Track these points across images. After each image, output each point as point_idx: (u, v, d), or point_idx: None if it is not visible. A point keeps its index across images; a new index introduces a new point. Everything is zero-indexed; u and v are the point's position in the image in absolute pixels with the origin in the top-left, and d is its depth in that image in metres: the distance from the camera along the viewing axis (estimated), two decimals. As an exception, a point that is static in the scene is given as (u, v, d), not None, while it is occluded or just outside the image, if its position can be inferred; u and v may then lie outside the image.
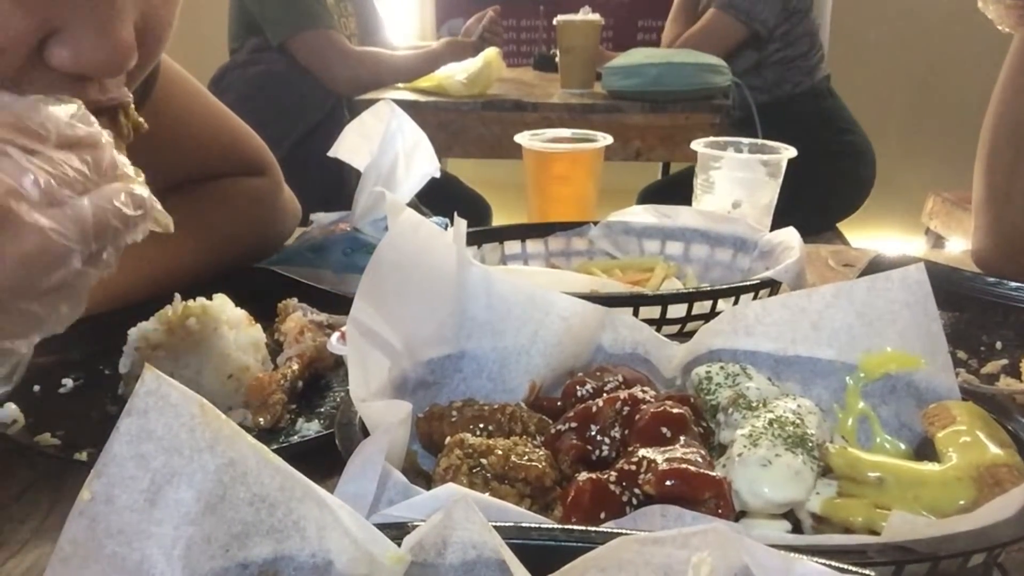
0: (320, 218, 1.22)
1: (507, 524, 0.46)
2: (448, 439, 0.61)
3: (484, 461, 0.58)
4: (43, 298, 0.48)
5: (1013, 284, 1.06)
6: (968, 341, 0.96)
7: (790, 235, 1.00)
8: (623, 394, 0.65)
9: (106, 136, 0.52)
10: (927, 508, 0.55)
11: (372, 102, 1.24)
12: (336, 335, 0.85)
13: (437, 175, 1.15)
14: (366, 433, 0.59)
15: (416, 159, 1.14)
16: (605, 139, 1.32)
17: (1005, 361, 0.91)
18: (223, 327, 0.84)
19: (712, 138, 1.27)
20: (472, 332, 0.71)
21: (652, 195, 3.04)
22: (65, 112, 0.50)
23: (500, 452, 0.59)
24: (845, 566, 0.39)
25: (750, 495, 0.55)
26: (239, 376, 0.82)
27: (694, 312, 0.87)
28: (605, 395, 0.66)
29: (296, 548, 0.44)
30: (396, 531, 0.45)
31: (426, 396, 0.69)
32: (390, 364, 0.65)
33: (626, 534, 0.40)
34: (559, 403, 0.69)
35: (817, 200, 2.65)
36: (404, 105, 1.20)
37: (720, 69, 2.59)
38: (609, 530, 0.45)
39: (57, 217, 0.47)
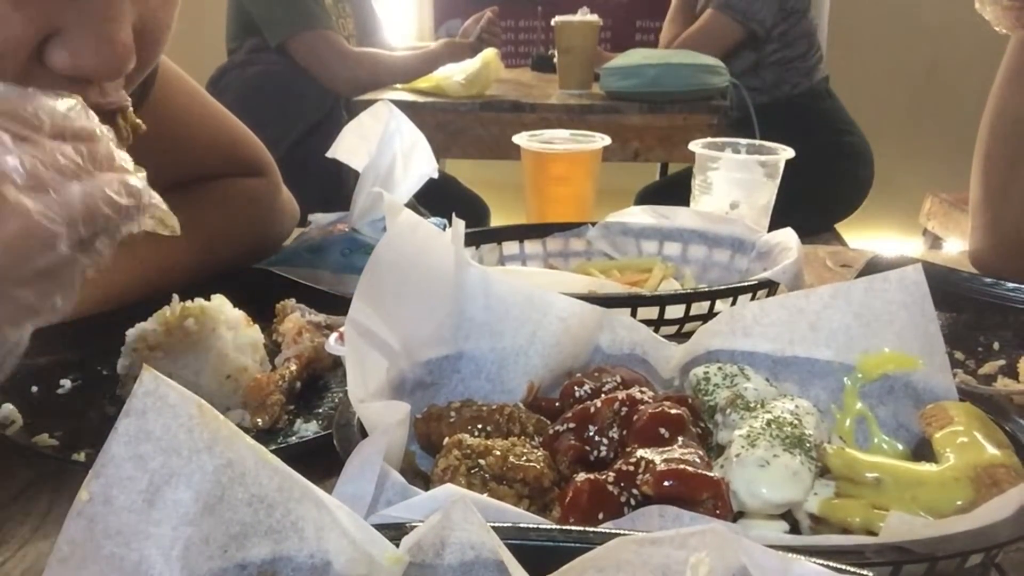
0: (318, 219, 1.22)
1: (505, 525, 0.46)
2: (446, 440, 0.61)
3: (482, 462, 0.58)
4: (32, 284, 0.47)
5: (1010, 285, 1.06)
6: (966, 342, 0.96)
7: (788, 236, 1.00)
8: (621, 395, 0.65)
9: (103, 129, 0.52)
10: (925, 508, 0.55)
11: (370, 103, 1.24)
12: (334, 336, 0.85)
13: (435, 176, 1.15)
14: (364, 434, 0.59)
15: (414, 160, 1.14)
16: (603, 140, 1.32)
17: (1002, 362, 0.91)
18: (221, 328, 0.84)
19: (710, 139, 1.27)
20: (470, 333, 0.71)
21: (650, 196, 3.04)
22: (63, 105, 0.50)
23: (498, 453, 0.59)
24: (843, 566, 0.39)
25: (748, 495, 0.55)
26: (237, 377, 0.82)
27: (692, 313, 0.87)
28: (603, 396, 0.66)
29: (294, 549, 0.44)
30: (394, 532, 0.45)
31: (424, 397, 0.69)
32: (388, 365, 0.65)
33: (624, 534, 0.40)
34: (557, 404, 0.69)
35: (815, 201, 2.65)
36: (402, 106, 1.20)
37: (718, 70, 2.59)
38: (607, 531, 0.45)
39: (44, 200, 0.46)
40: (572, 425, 0.64)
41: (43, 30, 0.53)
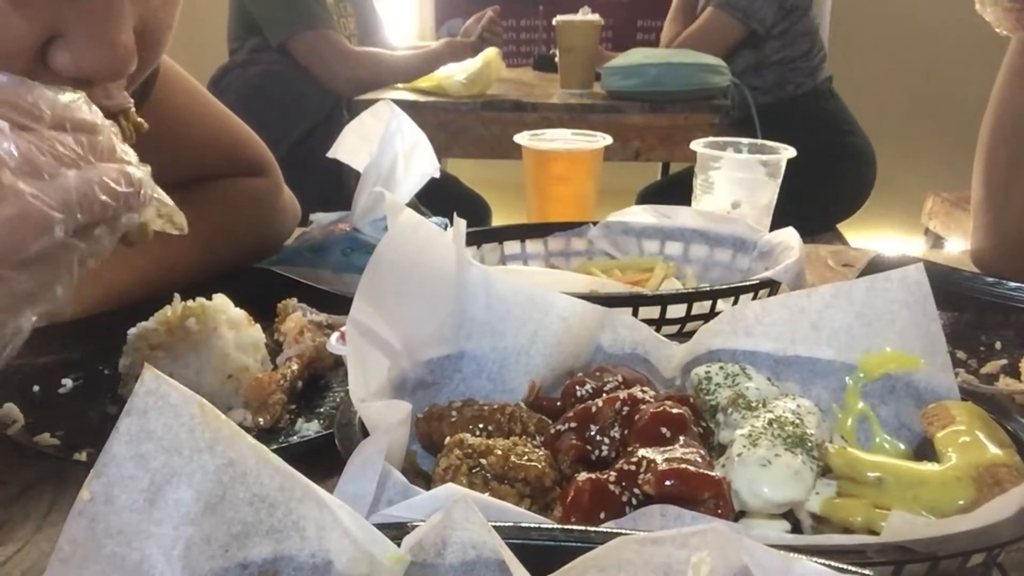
0: (319, 218, 1.22)
1: (507, 524, 0.46)
2: (448, 439, 0.61)
3: (484, 461, 0.58)
4: (29, 268, 0.47)
5: (1012, 284, 1.06)
6: (967, 341, 0.96)
7: (789, 235, 1.00)
8: (623, 394, 0.65)
9: (105, 122, 0.52)
10: (926, 508, 0.55)
11: (371, 102, 1.24)
12: (335, 335, 0.85)
13: (436, 175, 1.15)
14: (366, 433, 0.59)
15: (415, 159, 1.14)
16: (604, 139, 1.32)
17: (1004, 361, 0.91)
18: (223, 327, 0.84)
19: (711, 138, 1.27)
20: (472, 332, 0.71)
21: (652, 196, 3.04)
22: (66, 98, 0.50)
23: (500, 452, 0.59)
24: (844, 566, 0.39)
25: (749, 495, 0.55)
26: (239, 376, 0.82)
27: (693, 312, 0.87)
28: (605, 395, 0.66)
29: (296, 548, 0.44)
30: (396, 531, 0.45)
31: (425, 396, 0.69)
32: (389, 364, 0.65)
33: (625, 534, 0.40)
34: (559, 403, 0.69)
35: (818, 201, 2.65)
36: (403, 105, 1.20)
37: (719, 69, 2.59)
38: (609, 530, 0.45)
39: (39, 186, 0.46)
40: (573, 424, 0.64)
41: (45, 32, 0.53)
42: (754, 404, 0.63)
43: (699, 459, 0.57)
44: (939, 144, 3.65)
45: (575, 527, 0.47)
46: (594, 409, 0.64)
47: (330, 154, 1.18)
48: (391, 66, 2.64)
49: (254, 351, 0.86)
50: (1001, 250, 1.16)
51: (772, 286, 0.89)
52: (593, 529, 0.46)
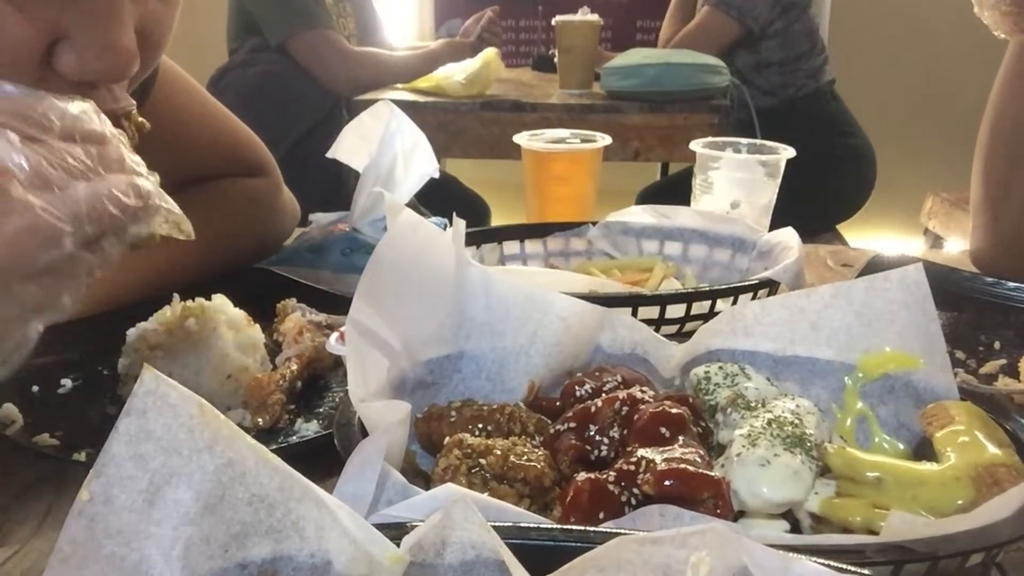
0: (319, 218, 1.22)
1: (506, 524, 0.46)
2: (447, 439, 0.61)
3: (483, 461, 0.58)
4: (38, 280, 0.47)
5: (1011, 284, 1.06)
6: (966, 341, 0.96)
7: (789, 235, 1.00)
8: (622, 394, 0.65)
9: (114, 132, 0.52)
10: (926, 508, 0.55)
11: (371, 102, 1.24)
12: (335, 335, 0.85)
13: (436, 175, 1.15)
14: (365, 433, 0.59)
15: (415, 159, 1.14)
16: (604, 139, 1.32)
17: (1003, 361, 0.91)
18: (222, 327, 0.84)
19: (711, 138, 1.27)
20: (471, 332, 0.71)
21: (651, 196, 3.03)
22: (75, 108, 0.50)
23: (499, 452, 0.59)
24: (844, 566, 0.39)
25: (749, 495, 0.55)
26: (238, 376, 0.82)
27: (693, 312, 0.87)
28: (604, 395, 0.66)
29: (295, 548, 0.44)
30: (395, 531, 0.45)
31: (425, 396, 0.69)
32: (389, 364, 0.65)
33: (625, 534, 0.40)
34: (558, 403, 0.69)
35: (818, 202, 2.65)
36: (403, 105, 1.20)
37: (718, 69, 2.59)
38: (608, 530, 0.45)
39: (48, 198, 0.46)
40: (573, 424, 0.64)
41: (49, 35, 0.53)
42: (753, 404, 0.63)
43: (698, 459, 0.57)
44: (939, 144, 3.65)
45: (574, 527, 0.47)
46: (593, 409, 0.64)
47: (329, 154, 1.18)
48: (390, 66, 2.64)
49: (253, 351, 0.86)
50: (1000, 250, 1.16)
51: (771, 286, 0.89)
52: (592, 529, 0.46)
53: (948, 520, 0.50)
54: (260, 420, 0.78)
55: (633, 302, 0.84)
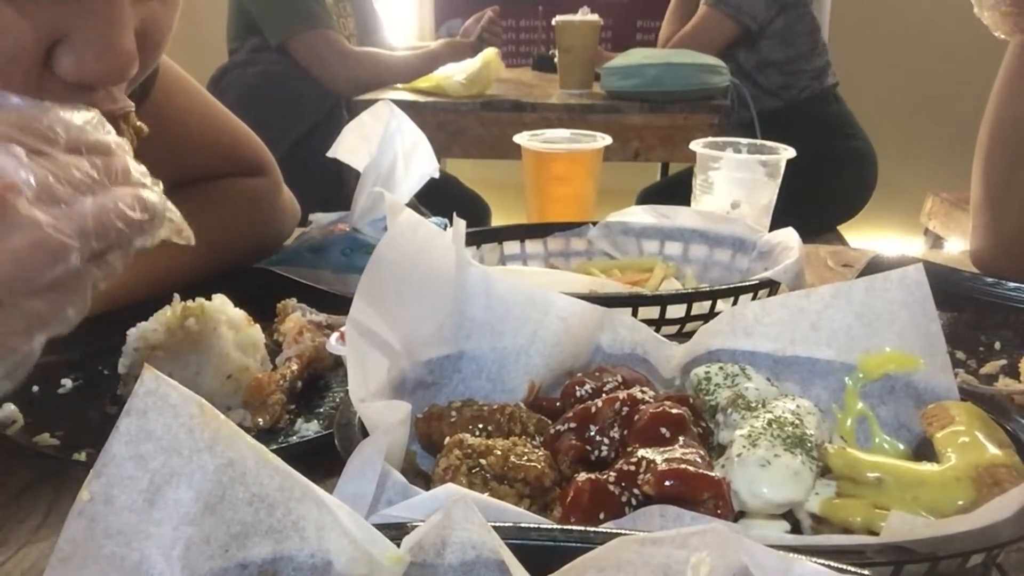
0: (319, 218, 1.22)
1: (506, 524, 0.46)
2: (447, 439, 0.61)
3: (483, 461, 0.58)
4: (43, 295, 0.47)
5: (1011, 284, 1.06)
6: (967, 341, 0.96)
7: (789, 235, 1.00)
8: (622, 394, 0.65)
9: (119, 142, 0.52)
10: (926, 508, 0.55)
11: (371, 102, 1.24)
12: (335, 335, 0.85)
13: (436, 175, 1.15)
14: (365, 433, 0.59)
15: (415, 159, 1.15)
16: (604, 139, 1.32)
17: (1004, 361, 0.91)
18: (222, 327, 0.84)
19: (711, 138, 1.27)
20: (471, 332, 0.71)
21: (652, 196, 3.03)
22: (80, 118, 0.50)
23: (499, 452, 0.59)
24: (844, 566, 0.39)
25: (749, 495, 0.55)
26: (238, 376, 0.82)
27: (693, 312, 0.87)
28: (604, 395, 0.66)
29: (295, 548, 0.44)
30: (395, 531, 0.45)
31: (425, 396, 0.69)
32: (389, 364, 0.65)
33: (625, 534, 0.40)
34: (558, 403, 0.69)
35: (820, 204, 2.66)
36: (403, 105, 1.20)
37: (719, 69, 2.59)
38: (608, 530, 0.45)
39: (55, 214, 0.46)
40: (573, 425, 0.64)
41: (49, 37, 0.53)
42: (753, 404, 0.63)
43: (699, 459, 0.57)
44: (939, 144, 3.66)
45: (574, 527, 0.47)
46: (594, 409, 0.64)
47: (330, 154, 1.18)
48: (390, 66, 2.64)
49: (254, 351, 0.86)
50: (1000, 250, 1.16)
51: (771, 286, 0.89)
52: (592, 529, 0.46)
53: (948, 520, 0.50)
54: (260, 420, 0.78)
55: (633, 302, 0.84)
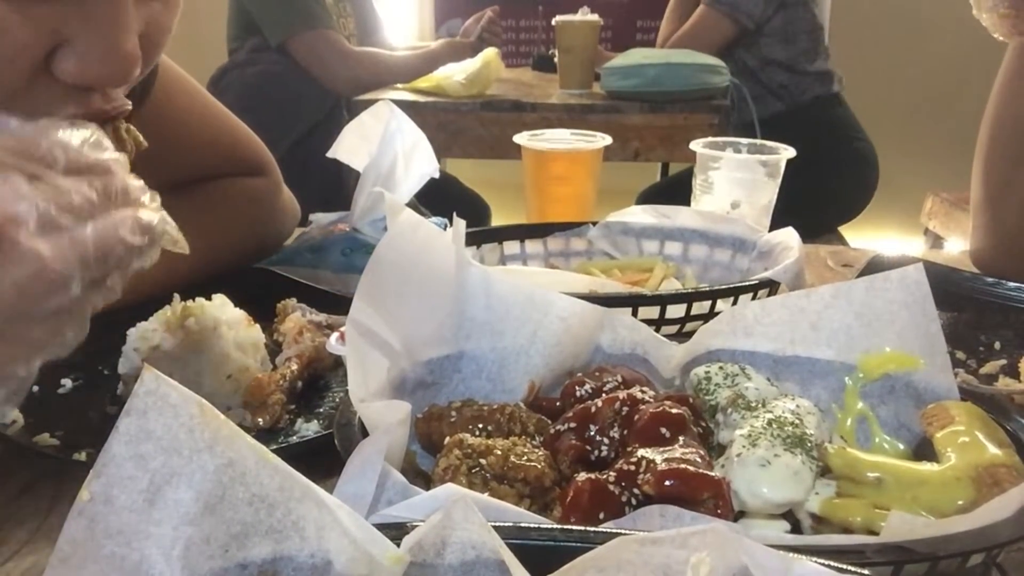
0: (319, 218, 1.22)
1: (506, 524, 0.46)
2: (447, 439, 0.61)
3: (483, 461, 0.58)
4: (43, 323, 0.48)
5: (1012, 284, 1.06)
6: (967, 341, 0.96)
7: (789, 235, 1.00)
8: (622, 394, 0.65)
9: (117, 158, 0.52)
10: (926, 508, 0.55)
11: (371, 102, 1.24)
12: (335, 335, 0.85)
13: (436, 175, 1.15)
14: (365, 433, 0.59)
15: (415, 159, 1.14)
16: (604, 139, 1.32)
17: (1004, 361, 0.91)
18: (222, 327, 0.84)
19: (711, 138, 1.27)
20: (471, 332, 0.71)
21: (652, 196, 3.03)
22: (77, 137, 0.50)
23: (499, 452, 0.59)
24: (844, 566, 0.39)
25: (749, 495, 0.55)
26: (238, 376, 0.82)
27: (693, 312, 0.87)
28: (604, 395, 0.66)
29: (295, 548, 0.44)
30: (395, 531, 0.45)
31: (425, 396, 0.69)
32: (389, 364, 0.65)
33: (625, 534, 0.40)
34: (558, 403, 0.69)
35: (821, 205, 2.66)
36: (403, 105, 1.20)
37: (719, 69, 2.59)
38: (608, 530, 0.45)
39: (56, 243, 0.46)
40: (573, 425, 0.64)
41: (51, 40, 0.53)
42: (753, 404, 0.63)
43: (698, 459, 0.57)
44: (939, 144, 3.66)
45: (574, 527, 0.47)
46: (594, 409, 0.64)
47: (330, 154, 1.18)
48: (390, 66, 2.64)
49: (254, 351, 0.86)
50: (1000, 250, 1.16)
51: (771, 286, 0.89)
52: (592, 529, 0.46)
53: (948, 520, 0.50)
54: (260, 420, 0.78)
55: (633, 302, 0.84)
